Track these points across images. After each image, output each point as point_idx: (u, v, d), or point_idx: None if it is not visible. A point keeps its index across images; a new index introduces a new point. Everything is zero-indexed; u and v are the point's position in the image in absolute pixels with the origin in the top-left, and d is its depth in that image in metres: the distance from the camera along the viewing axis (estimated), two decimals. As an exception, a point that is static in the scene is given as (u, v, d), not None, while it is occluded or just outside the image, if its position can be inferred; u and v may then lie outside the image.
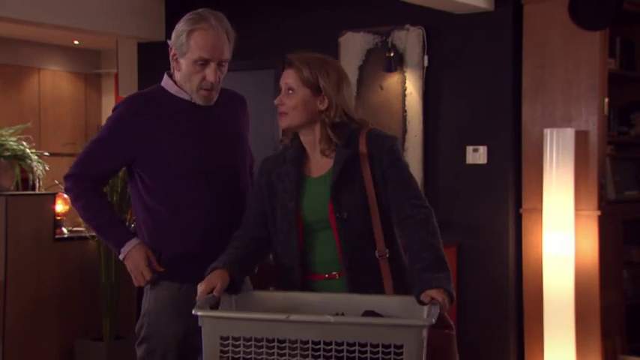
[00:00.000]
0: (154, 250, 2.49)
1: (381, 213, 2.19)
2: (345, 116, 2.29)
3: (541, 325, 4.01)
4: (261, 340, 1.87)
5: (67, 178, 2.53)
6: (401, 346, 1.81)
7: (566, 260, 3.98)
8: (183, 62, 2.45)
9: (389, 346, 1.81)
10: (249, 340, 1.89)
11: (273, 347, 1.87)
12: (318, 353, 1.86)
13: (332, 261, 2.21)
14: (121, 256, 2.51)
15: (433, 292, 1.99)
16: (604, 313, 4.08)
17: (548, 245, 4.03)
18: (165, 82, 2.52)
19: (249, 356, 1.89)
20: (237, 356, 1.89)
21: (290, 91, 2.33)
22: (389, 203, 2.20)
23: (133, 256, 2.47)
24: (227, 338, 1.90)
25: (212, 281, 2.13)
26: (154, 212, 2.47)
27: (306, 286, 2.23)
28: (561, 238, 3.99)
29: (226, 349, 1.90)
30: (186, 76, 2.45)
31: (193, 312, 1.95)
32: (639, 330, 4.44)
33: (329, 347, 1.83)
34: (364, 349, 1.82)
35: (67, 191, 2.53)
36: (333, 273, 2.21)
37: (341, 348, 1.82)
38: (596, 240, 4.07)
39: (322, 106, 2.27)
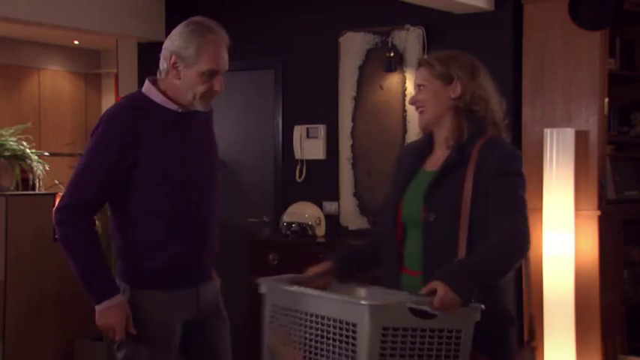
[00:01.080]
0: (142, 264, 2.42)
1: (472, 223, 2.14)
2: (484, 105, 2.24)
3: (541, 325, 4.01)
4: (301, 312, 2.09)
5: (61, 209, 2.37)
6: (355, 325, 1.95)
7: (566, 260, 3.97)
8: (187, 72, 2.40)
9: (349, 324, 1.96)
10: (287, 309, 2.12)
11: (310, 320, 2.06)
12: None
13: (417, 259, 2.22)
14: (97, 307, 2.37)
15: (437, 284, 1.98)
16: (604, 312, 4.08)
17: (548, 245, 4.03)
18: (149, 90, 2.45)
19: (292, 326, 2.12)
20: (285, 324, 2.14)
21: (420, 87, 2.29)
22: (484, 215, 2.15)
23: (110, 314, 2.37)
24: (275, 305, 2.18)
25: (315, 269, 2.30)
26: (143, 226, 2.39)
27: (400, 278, 2.25)
28: (561, 238, 3.99)
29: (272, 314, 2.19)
30: (188, 86, 2.40)
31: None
32: (639, 330, 4.44)
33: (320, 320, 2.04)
34: (336, 324, 2.00)
35: (60, 224, 2.36)
36: (418, 270, 2.21)
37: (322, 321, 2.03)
38: (596, 240, 4.07)
39: (454, 94, 2.25)
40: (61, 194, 5.51)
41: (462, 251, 2.13)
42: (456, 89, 2.25)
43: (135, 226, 2.41)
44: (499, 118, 2.28)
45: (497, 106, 2.29)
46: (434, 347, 1.99)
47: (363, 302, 1.97)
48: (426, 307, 1.97)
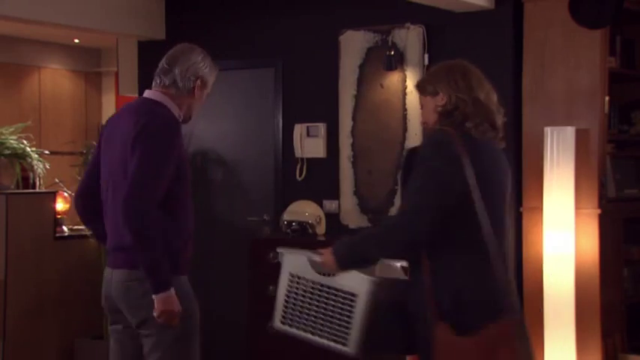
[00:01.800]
0: (183, 252, 2.77)
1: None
2: (465, 105, 2.45)
3: (541, 323, 4.01)
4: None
5: (143, 200, 2.62)
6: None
7: (567, 258, 3.98)
8: (201, 94, 2.87)
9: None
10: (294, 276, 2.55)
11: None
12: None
13: None
14: (160, 295, 2.63)
15: (325, 250, 2.45)
16: (604, 311, 4.08)
17: (548, 243, 4.03)
18: (172, 106, 2.83)
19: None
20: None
21: (421, 109, 2.60)
22: None
23: (172, 301, 2.66)
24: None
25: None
26: (182, 218, 2.76)
27: None
28: (562, 237, 3.99)
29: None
30: (199, 104, 2.89)
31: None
32: (639, 328, 4.44)
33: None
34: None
35: (144, 214, 2.60)
36: None
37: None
38: (596, 238, 4.07)
39: (441, 102, 2.50)
40: (63, 193, 5.52)
41: None
42: (443, 99, 2.49)
43: (178, 219, 2.75)
44: (477, 115, 2.45)
45: (480, 104, 2.47)
46: (330, 304, 2.44)
47: (278, 250, 2.57)
48: (316, 258, 2.43)
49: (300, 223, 4.68)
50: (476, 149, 2.37)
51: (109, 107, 8.52)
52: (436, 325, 2.29)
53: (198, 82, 2.83)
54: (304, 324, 2.52)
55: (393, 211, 4.58)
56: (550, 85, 4.24)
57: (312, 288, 2.47)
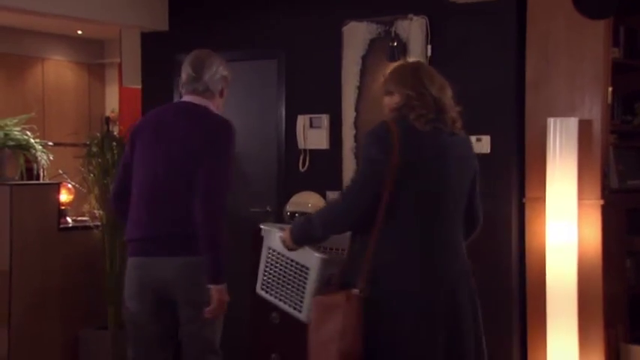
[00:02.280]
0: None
1: None
2: (412, 102, 2.63)
3: (544, 314, 4.03)
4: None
5: (225, 195, 3.02)
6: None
7: (569, 249, 3.98)
8: (225, 94, 3.27)
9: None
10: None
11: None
12: None
13: None
14: (220, 286, 3.04)
15: (287, 227, 2.80)
16: (607, 301, 4.09)
17: (551, 234, 4.04)
18: (210, 105, 3.19)
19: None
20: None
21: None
22: None
23: (226, 292, 3.09)
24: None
25: None
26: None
27: None
28: (564, 227, 3.99)
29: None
30: (223, 103, 3.26)
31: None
32: (642, 319, 4.45)
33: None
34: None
35: (225, 213, 3.01)
36: None
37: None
38: (599, 229, 4.08)
39: (395, 100, 2.69)
40: (67, 184, 5.53)
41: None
42: (396, 98, 2.69)
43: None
44: (423, 108, 2.63)
45: (428, 97, 2.64)
46: (291, 275, 2.81)
47: (261, 226, 2.94)
48: (281, 234, 2.78)
49: (303, 214, 4.69)
50: (416, 140, 2.58)
51: (112, 99, 8.53)
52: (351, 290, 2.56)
53: (224, 82, 3.20)
54: (275, 291, 2.88)
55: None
56: (553, 76, 4.24)
57: (282, 260, 2.84)
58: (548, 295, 4.01)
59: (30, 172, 5.13)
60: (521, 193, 4.32)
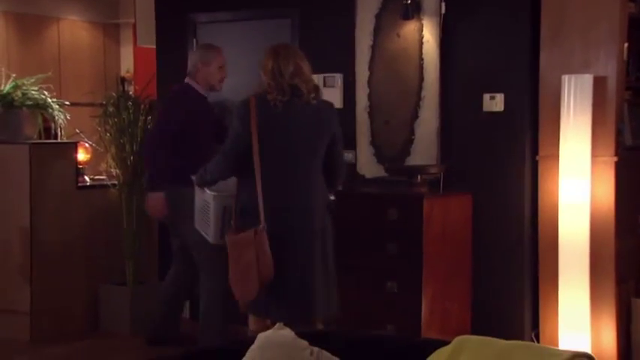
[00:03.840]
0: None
1: None
2: (267, 85, 3.59)
3: (556, 270, 4.06)
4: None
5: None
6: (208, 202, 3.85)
7: (582, 206, 4.00)
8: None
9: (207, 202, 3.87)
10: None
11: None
12: None
13: None
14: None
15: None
16: (619, 258, 4.12)
17: (564, 191, 4.05)
18: None
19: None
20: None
21: None
22: None
23: None
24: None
25: None
26: None
27: None
28: (577, 184, 4.01)
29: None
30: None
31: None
32: (654, 275, 4.49)
33: None
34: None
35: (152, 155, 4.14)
36: None
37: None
38: (612, 186, 4.09)
39: (261, 81, 3.64)
40: (84, 143, 5.60)
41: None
42: (263, 79, 3.60)
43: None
44: (275, 88, 3.56)
45: (280, 79, 3.55)
46: (204, 210, 3.84)
47: (191, 176, 3.83)
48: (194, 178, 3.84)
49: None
50: (269, 112, 3.50)
51: (126, 59, 8.54)
52: (234, 223, 3.59)
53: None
54: (199, 225, 3.92)
55: (409, 160, 4.62)
56: (568, 33, 4.21)
57: (199, 202, 3.90)
58: (561, 251, 4.04)
59: (48, 132, 5.19)
60: (535, 151, 4.33)
